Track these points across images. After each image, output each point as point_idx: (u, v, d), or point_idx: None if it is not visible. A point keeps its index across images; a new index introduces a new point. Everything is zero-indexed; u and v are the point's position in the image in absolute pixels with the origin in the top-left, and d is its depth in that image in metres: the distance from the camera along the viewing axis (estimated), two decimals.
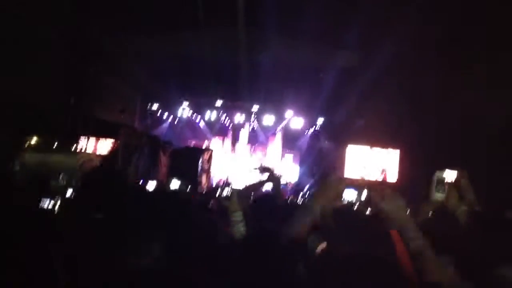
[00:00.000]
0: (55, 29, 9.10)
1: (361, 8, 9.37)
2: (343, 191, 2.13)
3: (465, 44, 8.46)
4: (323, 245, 2.45)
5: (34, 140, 8.82)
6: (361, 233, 2.19)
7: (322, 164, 14.24)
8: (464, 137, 8.69)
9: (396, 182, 12.67)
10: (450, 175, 2.70)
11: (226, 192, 6.96)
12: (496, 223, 2.33)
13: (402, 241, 1.90)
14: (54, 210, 3.29)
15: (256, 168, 3.25)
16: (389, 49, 10.45)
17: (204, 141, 16.38)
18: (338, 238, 2.43)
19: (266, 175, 3.16)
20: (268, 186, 3.30)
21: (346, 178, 2.09)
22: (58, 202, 3.37)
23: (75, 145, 9.61)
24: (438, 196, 2.18)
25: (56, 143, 8.88)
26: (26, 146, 8.92)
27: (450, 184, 2.39)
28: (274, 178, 3.17)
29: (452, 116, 9.35)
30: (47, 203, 3.39)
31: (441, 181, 2.25)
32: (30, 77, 8.60)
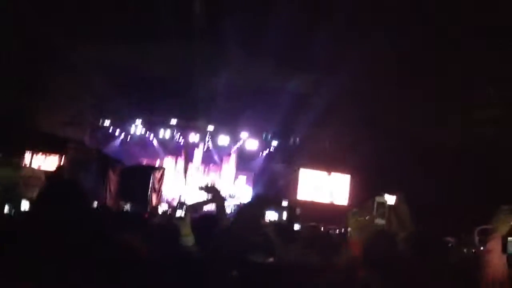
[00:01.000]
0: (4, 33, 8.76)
1: (318, 32, 9.63)
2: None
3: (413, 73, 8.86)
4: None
5: None
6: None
7: (274, 186, 14.33)
8: (407, 162, 9.06)
9: (346, 205, 12.97)
10: (390, 199, 2.79)
11: (180, 213, 6.81)
12: (430, 246, 2.43)
13: None
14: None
15: (201, 187, 3.24)
16: (344, 76, 10.79)
17: (156, 159, 16.07)
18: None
19: (210, 195, 3.16)
20: (213, 206, 3.29)
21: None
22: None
23: (19, 159, 9.16)
24: (379, 221, 2.24)
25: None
26: None
27: (390, 209, 2.46)
28: (218, 198, 3.16)
29: (397, 143, 9.73)
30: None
31: (381, 205, 2.32)
32: None
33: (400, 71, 9.21)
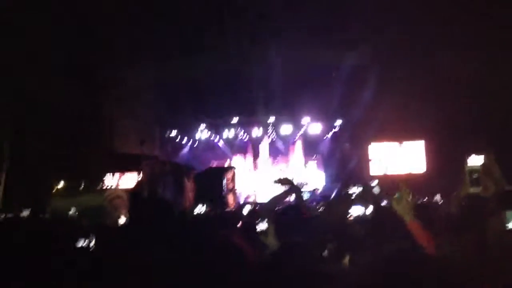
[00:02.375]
0: (71, 67, 9.29)
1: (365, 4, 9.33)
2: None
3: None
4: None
5: (61, 184, 8.98)
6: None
7: (347, 167, 14.06)
8: (484, 119, 8.51)
9: (425, 173, 12.46)
10: (478, 161, 2.61)
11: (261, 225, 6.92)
12: None
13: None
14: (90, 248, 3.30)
15: (275, 181, 3.27)
16: (398, 41, 10.35)
17: (225, 160, 16.38)
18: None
19: (287, 187, 3.17)
20: (292, 198, 3.29)
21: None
22: (93, 241, 3.37)
23: (100, 183, 9.73)
24: (474, 189, 2.07)
25: (83, 183, 9.02)
26: (54, 191, 9.09)
27: (482, 174, 2.27)
28: (294, 188, 3.16)
29: (470, 100, 9.17)
30: (81, 243, 3.40)
31: (473, 172, 2.14)
32: (47, 116, 8.79)
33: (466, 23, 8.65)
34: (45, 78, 8.67)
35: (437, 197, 6.94)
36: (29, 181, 8.43)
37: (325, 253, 2.44)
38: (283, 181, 3.31)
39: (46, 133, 8.92)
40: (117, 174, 9.99)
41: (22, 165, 8.74)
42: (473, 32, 8.49)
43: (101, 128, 11.09)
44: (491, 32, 8.07)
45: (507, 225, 1.94)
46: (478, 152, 2.74)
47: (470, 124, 9.61)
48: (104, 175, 9.98)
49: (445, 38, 9.79)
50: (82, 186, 9.02)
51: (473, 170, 2.07)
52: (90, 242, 3.46)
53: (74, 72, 9.65)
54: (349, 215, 3.38)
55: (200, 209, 6.87)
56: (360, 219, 3.36)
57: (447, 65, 10.18)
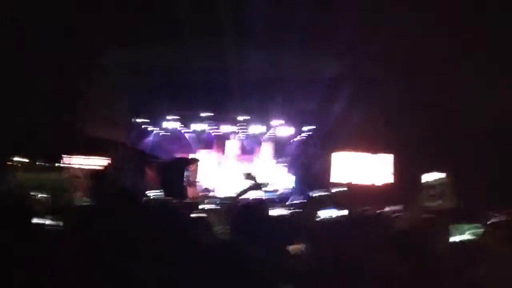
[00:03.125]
0: (44, 42, 9.01)
1: (345, 14, 9.43)
2: None
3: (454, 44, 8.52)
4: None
5: (20, 159, 8.72)
6: None
7: (311, 172, 14.25)
8: (450, 139, 8.76)
9: (389, 185, 12.80)
10: (436, 178, 2.70)
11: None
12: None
13: None
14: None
15: (244, 175, 3.35)
16: (375, 56, 10.54)
17: (190, 153, 16.30)
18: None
19: (250, 182, 3.23)
20: (253, 194, 3.35)
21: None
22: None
23: (61, 162, 9.49)
24: (429, 203, 2.12)
25: (42, 161, 8.78)
26: (12, 165, 8.81)
27: (441, 191, 2.35)
28: (258, 185, 3.22)
29: (439, 119, 9.44)
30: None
31: (431, 188, 2.19)
32: (17, 92, 8.51)
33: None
34: (19, 52, 8.39)
35: (393, 208, 7.07)
36: None
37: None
38: (249, 177, 3.42)
39: (13, 107, 8.62)
40: (82, 157, 9.78)
41: None
42: (447, 51, 8.73)
43: (70, 108, 10.80)
44: (465, 49, 8.32)
45: (450, 238, 2.06)
46: (438, 170, 2.84)
47: (435, 143, 9.91)
48: (66, 155, 9.73)
49: (422, 55, 10.04)
50: (42, 163, 8.78)
51: (431, 185, 2.12)
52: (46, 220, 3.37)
53: (50, 51, 9.37)
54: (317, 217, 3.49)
55: (156, 194, 6.82)
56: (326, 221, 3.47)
57: (423, 81, 10.45)
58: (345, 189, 10.18)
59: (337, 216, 4.12)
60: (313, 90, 12.58)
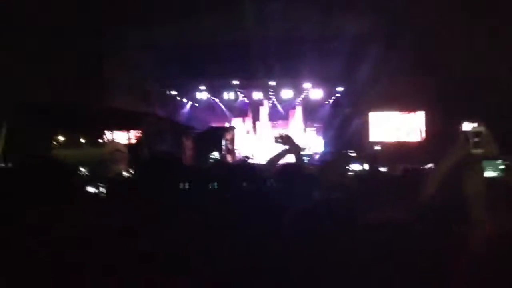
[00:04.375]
0: (70, 24, 9.19)
1: None
2: None
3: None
4: None
5: (60, 137, 9.07)
6: None
7: (346, 133, 14.17)
8: (481, 90, 8.54)
9: (422, 141, 12.64)
10: (475, 127, 2.69)
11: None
12: None
13: None
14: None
15: (276, 138, 3.22)
16: (403, 10, 10.19)
17: (225, 122, 16.46)
18: None
19: (286, 146, 3.15)
20: (290, 159, 3.31)
21: None
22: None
23: (99, 138, 9.82)
24: (474, 151, 2.12)
25: (81, 138, 9.11)
26: (54, 143, 9.20)
27: (485, 137, 2.31)
28: (294, 147, 3.15)
29: (470, 72, 9.17)
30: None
31: (475, 134, 2.17)
32: (48, 74, 8.77)
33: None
34: (47, 32, 8.60)
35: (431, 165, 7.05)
36: (29, 134, 8.49)
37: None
38: (284, 139, 3.24)
39: (46, 87, 8.92)
40: (118, 131, 10.09)
41: (22, 118, 8.77)
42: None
43: (102, 84, 11.07)
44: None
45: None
46: (472, 121, 2.82)
47: (467, 96, 9.67)
48: (104, 130, 10.07)
49: (450, 13, 9.67)
50: (82, 139, 9.13)
51: (475, 132, 2.11)
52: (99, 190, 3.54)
53: (77, 28, 9.55)
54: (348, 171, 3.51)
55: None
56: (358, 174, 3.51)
57: (450, 37, 10.10)
58: (378, 148, 10.13)
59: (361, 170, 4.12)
60: (342, 50, 12.31)
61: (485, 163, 2.06)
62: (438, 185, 2.11)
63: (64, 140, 9.37)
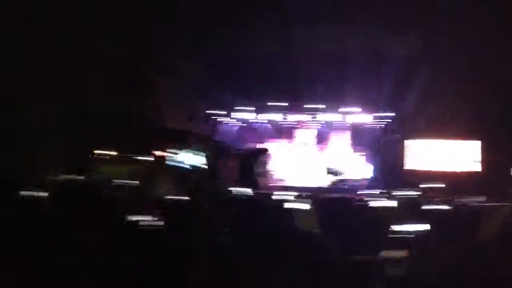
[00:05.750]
0: (112, 39, 9.33)
1: None
2: None
3: None
4: None
5: (111, 152, 9.09)
6: None
7: (390, 160, 13.73)
8: None
9: (479, 173, 12.02)
10: None
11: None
12: None
13: None
14: None
15: (328, 171, 3.13)
16: (456, 27, 9.83)
17: (266, 143, 16.30)
18: None
19: (333, 177, 3.04)
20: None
21: None
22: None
23: (146, 154, 9.80)
24: None
25: (130, 153, 9.10)
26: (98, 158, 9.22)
27: None
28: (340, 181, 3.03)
29: None
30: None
31: None
32: (93, 87, 8.87)
33: None
34: (93, 44, 8.73)
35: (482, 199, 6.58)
36: (71, 147, 8.53)
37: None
38: (334, 173, 3.22)
39: (91, 99, 9.01)
40: (163, 148, 10.09)
41: (63, 130, 8.83)
42: None
43: (147, 100, 11.16)
44: None
45: None
46: None
47: None
48: (149, 148, 10.06)
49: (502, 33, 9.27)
50: (128, 156, 9.11)
51: None
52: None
53: (123, 42, 9.69)
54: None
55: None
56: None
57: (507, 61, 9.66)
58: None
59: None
60: (389, 74, 12.05)
61: None
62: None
63: (107, 155, 9.35)
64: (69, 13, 8.03)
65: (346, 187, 12.49)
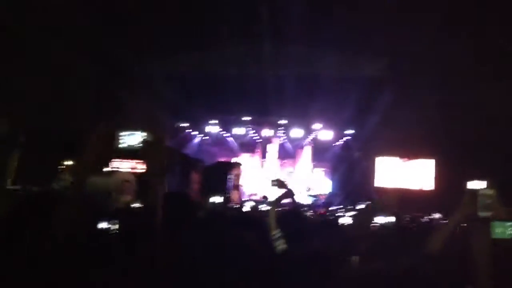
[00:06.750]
0: (83, 56, 9.41)
1: (385, 13, 9.30)
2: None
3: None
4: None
5: (71, 163, 9.09)
6: None
7: (353, 177, 14.10)
8: (493, 146, 8.50)
9: (433, 190, 12.50)
10: (478, 186, 2.69)
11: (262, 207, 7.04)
12: None
13: None
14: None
15: (272, 182, 3.27)
16: (418, 55, 10.30)
17: (233, 157, 16.49)
18: None
19: (283, 190, 3.15)
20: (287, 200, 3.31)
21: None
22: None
23: (108, 166, 9.84)
24: (483, 213, 2.11)
25: (91, 165, 9.10)
26: (62, 168, 9.23)
27: (494, 201, 2.30)
28: (289, 192, 3.15)
29: (482, 125, 9.16)
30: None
31: (486, 197, 2.15)
32: (62, 102, 8.92)
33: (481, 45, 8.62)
34: (64, 60, 8.81)
35: (436, 215, 6.98)
36: (39, 159, 8.56)
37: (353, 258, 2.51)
38: (279, 184, 3.28)
39: (59, 112, 9.06)
40: (126, 161, 10.15)
41: (35, 143, 8.87)
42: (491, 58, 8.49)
43: (113, 112, 11.22)
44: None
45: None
46: (481, 178, 2.82)
47: (476, 150, 9.62)
48: (112, 159, 10.13)
49: (465, 60, 9.76)
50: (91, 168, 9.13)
51: (485, 195, 2.11)
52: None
53: (93, 58, 9.78)
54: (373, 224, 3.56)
55: (215, 200, 6.91)
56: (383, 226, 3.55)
57: (464, 88, 10.16)
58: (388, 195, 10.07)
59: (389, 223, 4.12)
60: (354, 94, 12.43)
61: (494, 224, 2.07)
62: (445, 242, 2.10)
63: (70, 166, 9.37)
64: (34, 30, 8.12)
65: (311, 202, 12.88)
